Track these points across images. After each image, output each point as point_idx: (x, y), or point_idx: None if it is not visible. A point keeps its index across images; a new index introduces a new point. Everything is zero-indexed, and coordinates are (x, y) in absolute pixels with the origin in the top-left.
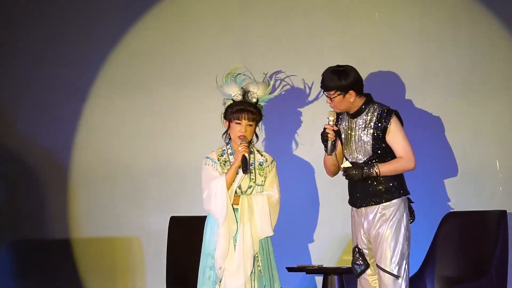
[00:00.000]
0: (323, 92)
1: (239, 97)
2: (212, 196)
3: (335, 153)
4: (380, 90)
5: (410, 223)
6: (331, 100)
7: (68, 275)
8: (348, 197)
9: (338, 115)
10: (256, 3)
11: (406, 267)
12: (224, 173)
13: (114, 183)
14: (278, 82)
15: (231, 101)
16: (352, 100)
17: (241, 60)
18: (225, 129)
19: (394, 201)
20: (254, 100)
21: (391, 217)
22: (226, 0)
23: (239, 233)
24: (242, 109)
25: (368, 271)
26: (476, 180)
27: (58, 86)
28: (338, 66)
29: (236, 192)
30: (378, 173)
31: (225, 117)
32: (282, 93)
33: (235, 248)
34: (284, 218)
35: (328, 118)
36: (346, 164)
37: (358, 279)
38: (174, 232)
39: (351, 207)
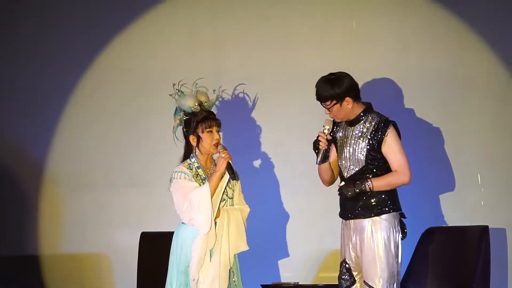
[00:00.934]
0: (321, 104)
1: (198, 108)
2: (195, 206)
3: (329, 162)
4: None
5: (402, 239)
6: (329, 111)
7: None
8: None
9: (334, 124)
10: (231, 12)
11: (395, 286)
12: (204, 182)
13: (81, 199)
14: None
15: (186, 116)
16: (350, 107)
17: (214, 70)
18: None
19: (384, 216)
20: (210, 107)
21: (381, 233)
22: (198, 10)
23: (216, 246)
24: (210, 117)
25: (354, 287)
26: (458, 195)
27: (35, 97)
28: (330, 74)
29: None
30: (371, 187)
31: (191, 132)
32: (220, 99)
33: (210, 260)
34: (258, 234)
35: (323, 126)
36: (341, 183)
37: None
38: (145, 248)
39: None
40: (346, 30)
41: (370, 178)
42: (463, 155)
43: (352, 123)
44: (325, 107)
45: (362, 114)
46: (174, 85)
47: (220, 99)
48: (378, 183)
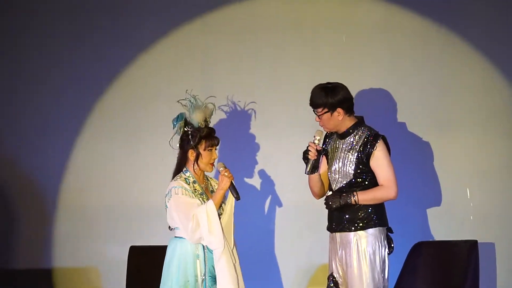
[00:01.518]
0: (313, 110)
1: (203, 124)
2: (204, 226)
3: (319, 174)
4: None
5: (388, 254)
6: (319, 118)
7: None
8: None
9: (326, 137)
10: (220, 26)
11: None
12: (202, 198)
13: (71, 213)
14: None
15: (187, 127)
16: (340, 118)
17: (204, 86)
18: (177, 159)
19: (370, 230)
20: (209, 123)
21: (367, 247)
22: (189, 25)
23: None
24: (213, 136)
25: None
26: (446, 209)
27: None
28: (327, 83)
29: None
30: (357, 201)
31: (191, 147)
32: (225, 115)
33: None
34: (247, 248)
35: (314, 136)
36: (328, 193)
37: None
38: (134, 262)
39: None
40: (336, 44)
41: (356, 191)
42: (452, 169)
43: (343, 136)
44: (316, 114)
45: (352, 127)
46: (186, 91)
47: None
48: (363, 197)
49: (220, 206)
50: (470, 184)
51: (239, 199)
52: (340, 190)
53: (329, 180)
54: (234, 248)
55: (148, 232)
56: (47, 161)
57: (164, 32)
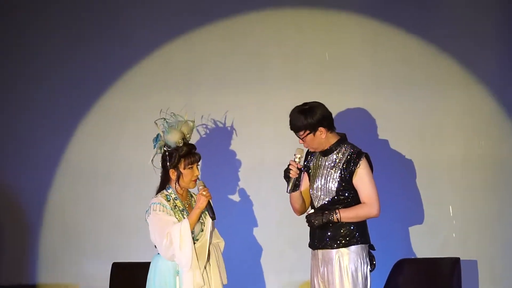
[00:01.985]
0: (296, 134)
1: (181, 143)
2: (176, 244)
3: (301, 191)
4: None
5: (370, 271)
6: (303, 141)
7: None
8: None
9: (308, 153)
10: (203, 44)
11: None
12: (183, 214)
13: (52, 228)
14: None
15: (169, 148)
16: (323, 136)
17: (186, 103)
18: (158, 175)
19: (352, 247)
20: (189, 139)
21: (349, 264)
22: (172, 44)
23: (210, 283)
24: (192, 153)
25: None
26: (429, 227)
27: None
28: (304, 104)
29: None
30: (339, 218)
31: (171, 167)
32: (207, 132)
33: None
34: (230, 266)
35: (295, 154)
36: (310, 211)
37: None
38: (116, 278)
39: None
40: (319, 61)
41: (338, 209)
42: (435, 187)
43: (326, 153)
44: (299, 137)
45: (335, 144)
46: (161, 111)
47: (198, 129)
48: (346, 214)
49: (203, 223)
50: (452, 202)
51: (215, 219)
52: (323, 207)
53: (311, 197)
54: (211, 269)
55: (131, 248)
56: (30, 177)
57: (147, 50)
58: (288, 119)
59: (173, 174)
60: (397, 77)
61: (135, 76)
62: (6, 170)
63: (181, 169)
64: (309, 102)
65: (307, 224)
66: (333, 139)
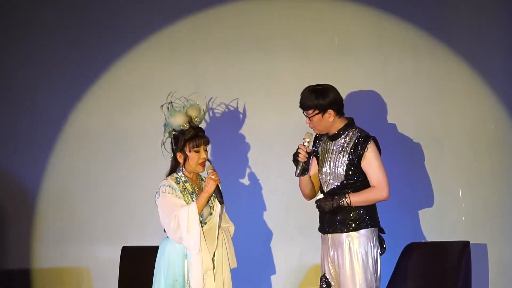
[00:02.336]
0: (303, 112)
1: (187, 126)
2: (184, 227)
3: (310, 176)
4: None
5: (380, 255)
6: (310, 120)
7: None
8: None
9: (316, 138)
10: (210, 28)
11: None
12: (192, 197)
13: (62, 212)
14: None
15: (176, 131)
16: (331, 120)
17: (193, 87)
18: (168, 159)
19: (362, 231)
20: (199, 123)
21: (359, 248)
22: (177, 27)
23: (217, 267)
24: (198, 135)
25: None
26: (439, 210)
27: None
28: (317, 85)
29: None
30: (349, 203)
31: (178, 150)
32: (216, 117)
33: (214, 280)
34: (238, 251)
35: (304, 138)
36: (319, 196)
37: None
38: (126, 262)
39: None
40: (328, 46)
41: (348, 193)
42: (444, 171)
43: (333, 137)
44: (307, 116)
45: (343, 129)
46: (169, 94)
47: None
48: (355, 199)
49: (212, 207)
50: (462, 185)
51: (222, 203)
52: (332, 192)
53: (320, 181)
54: (219, 253)
55: (141, 232)
56: (42, 163)
57: (152, 33)
58: (296, 104)
59: (180, 158)
60: (404, 64)
61: (142, 57)
62: (16, 155)
63: (187, 152)
64: (323, 84)
65: (317, 208)
66: (340, 123)
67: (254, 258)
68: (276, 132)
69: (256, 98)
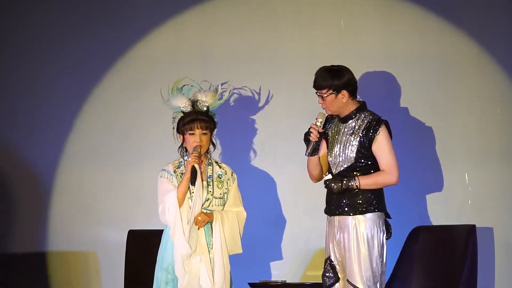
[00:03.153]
0: (316, 92)
1: (188, 108)
2: (166, 211)
3: (319, 157)
4: None
5: (386, 239)
6: (323, 100)
7: None
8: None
9: (327, 120)
10: (218, 12)
11: (379, 286)
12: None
13: (69, 196)
14: (231, 91)
15: (181, 114)
16: (344, 101)
17: (201, 71)
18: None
19: (369, 215)
20: (205, 108)
21: (365, 231)
22: (185, 11)
23: (216, 249)
24: (193, 119)
25: (337, 285)
26: (445, 194)
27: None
28: (332, 65)
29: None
30: (358, 185)
31: (178, 131)
32: (231, 102)
33: (212, 266)
34: (245, 233)
35: (316, 118)
36: (328, 176)
37: None
38: (133, 246)
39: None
40: (334, 30)
41: (357, 176)
42: (451, 154)
43: (345, 119)
44: (320, 96)
45: (355, 111)
46: (179, 80)
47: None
48: (365, 182)
49: (211, 192)
50: (468, 169)
51: (193, 184)
52: (341, 174)
53: (328, 163)
54: (218, 238)
55: (147, 216)
56: (48, 146)
57: (160, 20)
58: (304, 87)
59: (180, 139)
60: (411, 47)
61: (149, 45)
62: (22, 138)
63: (184, 134)
64: (338, 65)
65: (325, 188)
66: (353, 106)
67: (261, 241)
68: (282, 115)
69: (263, 81)
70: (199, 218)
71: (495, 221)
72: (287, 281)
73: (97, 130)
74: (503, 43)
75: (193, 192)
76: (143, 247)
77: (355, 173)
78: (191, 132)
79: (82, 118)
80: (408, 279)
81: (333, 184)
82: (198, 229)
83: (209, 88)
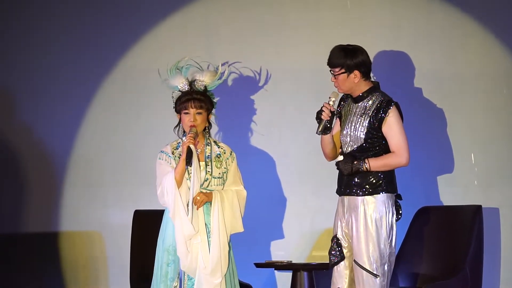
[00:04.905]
0: (330, 70)
1: (186, 88)
2: (165, 193)
3: (332, 136)
4: None
5: (396, 221)
6: (335, 78)
7: (27, 270)
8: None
9: (342, 99)
10: None
11: (386, 267)
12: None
13: (74, 177)
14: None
15: (179, 93)
16: (356, 81)
17: (205, 51)
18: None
19: (379, 196)
20: (202, 88)
21: (374, 212)
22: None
23: (213, 229)
24: (188, 98)
25: (342, 264)
26: (451, 174)
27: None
28: (348, 45)
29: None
30: (368, 168)
31: (176, 110)
32: (229, 81)
33: (209, 246)
34: (251, 214)
35: (329, 97)
36: (339, 158)
37: (333, 269)
38: (138, 226)
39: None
40: (340, 9)
41: (368, 158)
42: (457, 135)
43: (357, 100)
44: (333, 74)
45: (367, 92)
46: (179, 61)
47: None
48: (374, 163)
49: (209, 172)
50: (474, 149)
51: (189, 165)
52: (352, 154)
53: (341, 143)
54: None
55: (153, 196)
56: (55, 128)
57: (168, 2)
58: (309, 69)
59: (178, 118)
60: (417, 29)
61: (154, 27)
62: (31, 121)
63: (180, 113)
64: (354, 45)
65: (337, 169)
66: (366, 86)
67: (266, 222)
68: (288, 96)
69: (269, 62)
70: (198, 198)
71: (501, 201)
72: (292, 262)
73: (102, 111)
74: (510, 25)
75: (190, 173)
76: (149, 227)
77: (365, 153)
78: (186, 111)
79: (92, 104)
80: (414, 259)
81: (343, 167)
82: (197, 209)
83: (208, 68)
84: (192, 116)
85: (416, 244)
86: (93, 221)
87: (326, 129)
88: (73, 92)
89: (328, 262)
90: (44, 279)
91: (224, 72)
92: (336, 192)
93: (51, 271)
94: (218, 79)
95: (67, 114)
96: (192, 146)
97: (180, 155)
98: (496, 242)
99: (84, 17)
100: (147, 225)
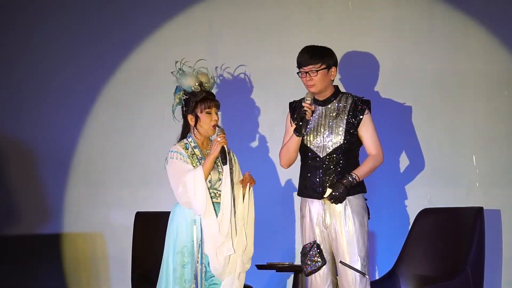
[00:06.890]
0: (302, 70)
1: (198, 88)
2: (191, 190)
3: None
4: (351, 80)
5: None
6: (311, 77)
7: (30, 271)
8: (300, 189)
9: (296, 108)
10: None
11: (368, 265)
12: (201, 162)
13: (76, 178)
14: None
15: (186, 95)
16: (332, 78)
17: (209, 51)
18: (181, 125)
19: (358, 196)
20: (210, 89)
21: (356, 212)
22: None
23: (238, 232)
24: (209, 98)
25: (325, 269)
26: (452, 176)
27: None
28: (317, 45)
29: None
30: (357, 179)
31: (189, 112)
32: (232, 83)
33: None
34: (256, 216)
35: (306, 98)
36: (328, 191)
37: (311, 276)
38: (140, 227)
39: (301, 199)
40: (342, 11)
41: (353, 172)
42: (458, 136)
43: (325, 102)
44: (308, 73)
45: (334, 94)
46: (176, 62)
47: (219, 79)
48: (361, 173)
49: (221, 172)
50: (476, 151)
51: (225, 164)
52: (329, 157)
53: (308, 149)
54: (246, 215)
55: (154, 198)
56: (58, 129)
57: (172, 2)
58: None
59: (191, 120)
60: (418, 29)
61: (157, 26)
62: (33, 122)
63: (199, 114)
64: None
65: (334, 203)
66: (332, 88)
67: (267, 222)
68: (291, 96)
69: (271, 64)
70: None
71: (503, 203)
72: (294, 263)
73: (109, 114)
74: (508, 26)
75: (221, 172)
76: (150, 229)
77: (340, 154)
78: (208, 110)
79: (95, 104)
80: (415, 261)
81: (337, 193)
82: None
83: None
84: (214, 115)
85: (418, 246)
86: (95, 223)
87: (306, 130)
88: (75, 93)
89: (305, 270)
90: (46, 281)
91: (214, 75)
92: (302, 195)
93: (53, 273)
94: (214, 81)
95: (70, 115)
96: (225, 146)
97: (192, 155)
98: (498, 243)
99: (87, 18)
100: (148, 226)
